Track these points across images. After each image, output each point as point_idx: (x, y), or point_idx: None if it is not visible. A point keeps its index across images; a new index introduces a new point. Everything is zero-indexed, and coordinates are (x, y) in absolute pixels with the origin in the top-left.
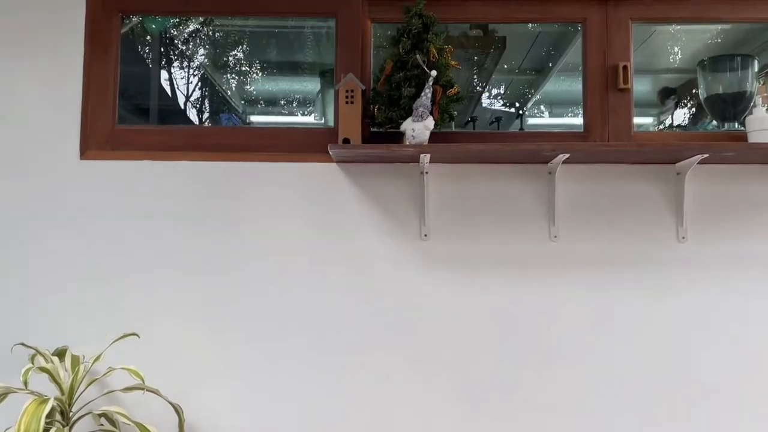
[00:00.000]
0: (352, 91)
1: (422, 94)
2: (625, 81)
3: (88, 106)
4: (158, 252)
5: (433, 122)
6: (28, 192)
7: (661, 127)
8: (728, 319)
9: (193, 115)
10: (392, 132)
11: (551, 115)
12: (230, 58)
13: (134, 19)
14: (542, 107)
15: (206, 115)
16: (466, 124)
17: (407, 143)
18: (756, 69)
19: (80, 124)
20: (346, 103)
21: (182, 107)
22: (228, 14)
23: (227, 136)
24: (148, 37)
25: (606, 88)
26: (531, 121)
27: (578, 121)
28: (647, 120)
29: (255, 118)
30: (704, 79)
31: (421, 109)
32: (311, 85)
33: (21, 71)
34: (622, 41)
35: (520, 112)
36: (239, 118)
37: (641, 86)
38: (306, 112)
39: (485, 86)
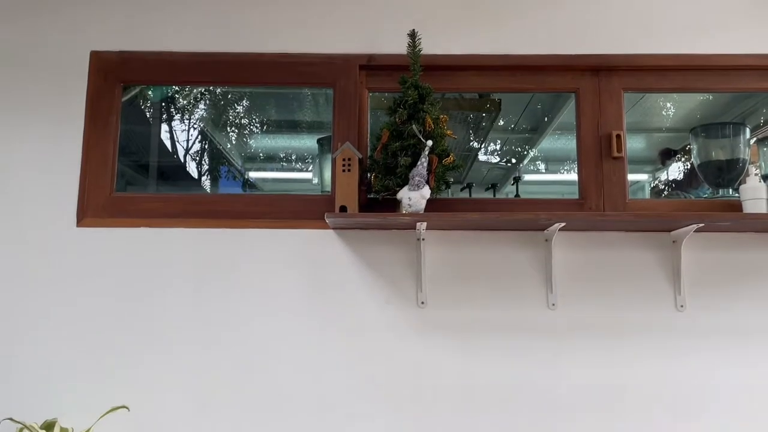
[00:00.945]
0: (349, 159)
1: (418, 163)
2: (619, 149)
3: (87, 174)
4: (153, 321)
5: (429, 191)
6: (23, 259)
7: (657, 183)
8: (729, 388)
9: (192, 169)
10: (389, 198)
11: (547, 170)
12: (230, 117)
13: (135, 88)
14: (539, 163)
15: (205, 169)
16: (462, 190)
17: (404, 212)
18: (748, 136)
19: (78, 192)
20: (343, 171)
21: (182, 163)
22: (228, 84)
23: (225, 203)
24: (150, 94)
25: (600, 156)
26: (527, 177)
27: (574, 177)
28: (642, 176)
29: (254, 174)
30: (697, 145)
31: (417, 178)
32: (309, 141)
33: (21, 138)
34: (615, 110)
35: (517, 177)
36: (239, 171)
37: (636, 143)
38: (304, 168)
39: (482, 143)
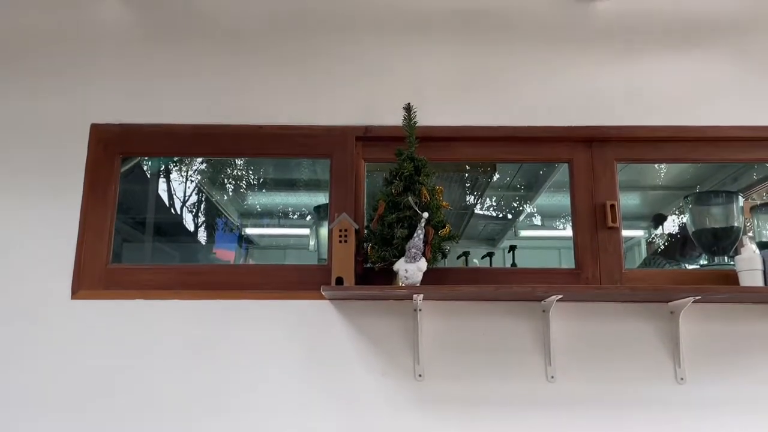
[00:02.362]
0: (345, 230)
1: (415, 235)
2: (614, 220)
3: (83, 246)
4: (146, 394)
5: (425, 264)
6: (17, 331)
7: (654, 238)
8: None
9: (189, 224)
10: (385, 267)
11: (543, 225)
12: (227, 174)
13: (134, 159)
14: (535, 217)
15: (202, 225)
16: (458, 258)
17: (400, 284)
18: (741, 204)
19: (74, 264)
20: (340, 242)
21: (179, 219)
22: (227, 156)
23: (220, 274)
24: (148, 163)
25: (595, 226)
26: (523, 233)
27: (569, 233)
28: (638, 233)
29: (251, 230)
30: (691, 213)
31: (413, 250)
32: (306, 198)
33: (19, 209)
34: (608, 181)
35: (513, 245)
36: (236, 226)
37: (630, 201)
38: (301, 224)
39: (478, 200)
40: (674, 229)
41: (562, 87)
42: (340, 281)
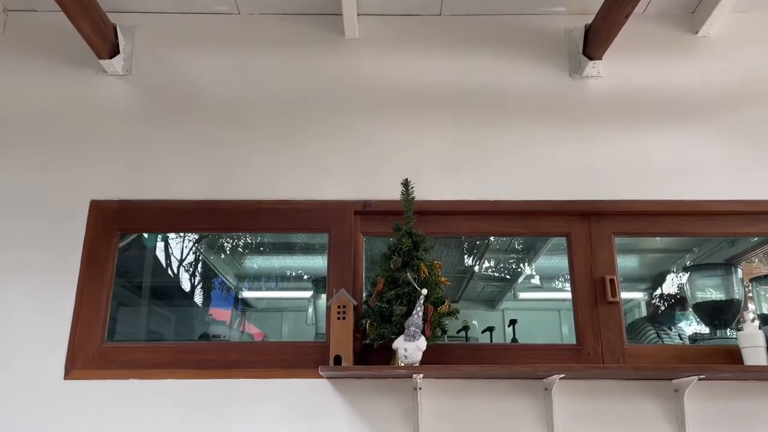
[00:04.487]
0: (344, 306)
1: (414, 312)
2: (614, 294)
3: (78, 324)
4: None
5: (425, 343)
6: (7, 411)
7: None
8: None
9: (186, 285)
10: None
11: (542, 285)
12: (225, 239)
13: (133, 235)
14: (534, 277)
15: (198, 287)
16: (458, 332)
17: (399, 363)
18: (740, 276)
19: (68, 342)
20: (338, 318)
21: (176, 282)
22: (227, 231)
23: (216, 352)
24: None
25: (595, 300)
26: (523, 295)
27: (569, 294)
28: (638, 295)
29: (248, 294)
30: (691, 285)
31: (413, 328)
32: (303, 260)
33: (16, 285)
34: (607, 255)
35: (513, 320)
36: (233, 286)
37: (628, 263)
38: (299, 287)
39: (477, 262)
40: (674, 290)
41: (559, 161)
42: (338, 360)
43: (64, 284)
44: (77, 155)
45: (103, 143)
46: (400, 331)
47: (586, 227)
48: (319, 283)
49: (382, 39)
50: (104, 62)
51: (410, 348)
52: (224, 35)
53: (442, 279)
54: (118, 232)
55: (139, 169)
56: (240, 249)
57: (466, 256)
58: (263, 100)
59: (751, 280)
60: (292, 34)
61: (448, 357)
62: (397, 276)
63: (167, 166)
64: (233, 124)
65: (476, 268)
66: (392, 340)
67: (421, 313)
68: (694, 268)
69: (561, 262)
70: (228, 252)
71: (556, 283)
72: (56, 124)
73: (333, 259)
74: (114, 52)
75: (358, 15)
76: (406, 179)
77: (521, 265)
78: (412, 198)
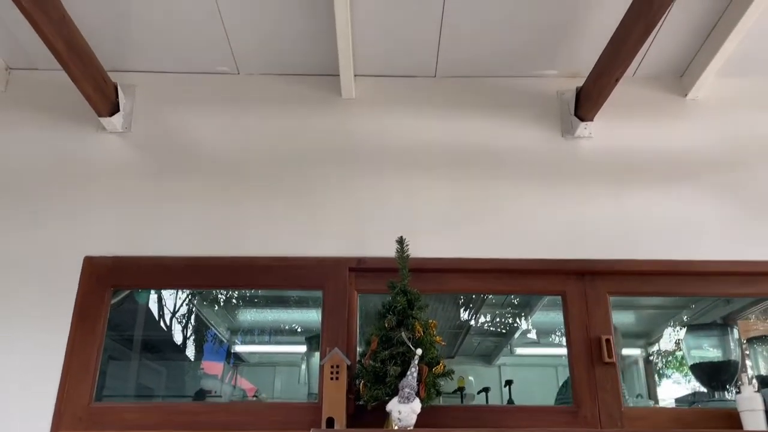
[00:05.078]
0: (337, 366)
1: (408, 373)
2: (609, 355)
3: (66, 382)
4: None
5: (419, 405)
6: None
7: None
8: None
9: (178, 338)
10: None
11: (539, 343)
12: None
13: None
14: (530, 331)
15: (190, 341)
16: (454, 392)
17: (394, 426)
18: (737, 336)
19: (55, 402)
20: (332, 379)
21: (167, 335)
22: (221, 288)
23: (206, 413)
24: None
25: (591, 361)
26: (519, 350)
27: (564, 350)
28: (635, 351)
29: (240, 348)
30: (687, 346)
31: (407, 389)
32: (297, 314)
33: (5, 340)
34: (602, 315)
35: (509, 380)
36: (225, 339)
37: (625, 318)
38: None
39: (473, 317)
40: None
41: (553, 221)
42: (330, 422)
43: (54, 341)
44: (73, 211)
45: (99, 199)
46: (395, 392)
47: (581, 286)
48: (312, 341)
49: (379, 99)
50: (104, 120)
51: (404, 411)
52: (224, 94)
53: (437, 339)
54: (111, 289)
55: (134, 226)
56: (234, 301)
57: (462, 311)
58: (260, 158)
59: (748, 341)
60: (291, 93)
61: (443, 419)
62: (391, 335)
63: (162, 223)
64: (229, 182)
65: (472, 323)
66: (386, 402)
67: (415, 374)
68: (689, 329)
69: (557, 317)
70: (221, 304)
71: (553, 337)
72: (53, 180)
73: (327, 316)
74: (114, 109)
75: (355, 76)
76: (401, 237)
77: (518, 320)
78: (407, 255)
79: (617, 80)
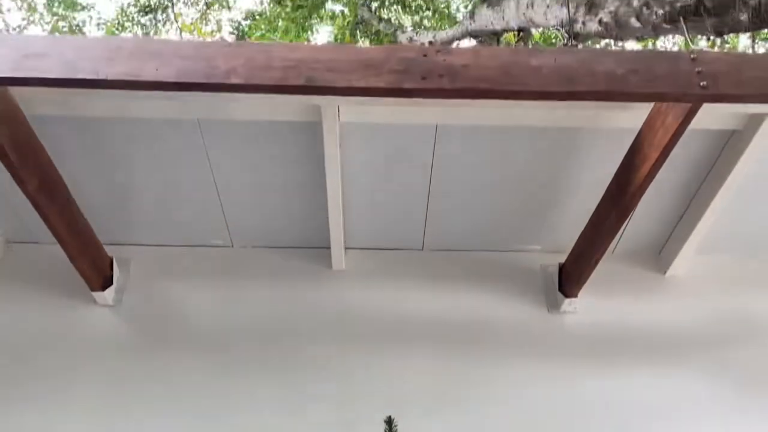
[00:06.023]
0: None
1: None
2: None
3: None
4: None
5: None
6: None
7: None
8: None
9: None
10: None
11: None
12: None
13: None
14: None
15: None
16: None
17: None
18: None
19: None
20: None
21: None
22: None
23: None
24: None
25: None
26: None
27: None
28: None
29: None
30: None
31: None
32: None
33: None
34: None
35: None
36: None
37: None
38: None
39: None
40: None
41: (541, 397)
42: None
43: None
44: (56, 389)
45: (84, 375)
46: None
47: None
48: None
49: (368, 271)
50: (96, 293)
51: None
52: (217, 267)
53: None
54: None
55: (120, 400)
56: None
57: None
58: (250, 332)
59: None
60: (282, 266)
61: None
62: None
63: (147, 398)
64: (218, 356)
65: None
66: None
67: None
68: None
69: None
70: None
71: None
72: (40, 355)
73: None
74: (107, 283)
75: (345, 249)
76: (390, 417)
77: None
78: None
79: (597, 262)
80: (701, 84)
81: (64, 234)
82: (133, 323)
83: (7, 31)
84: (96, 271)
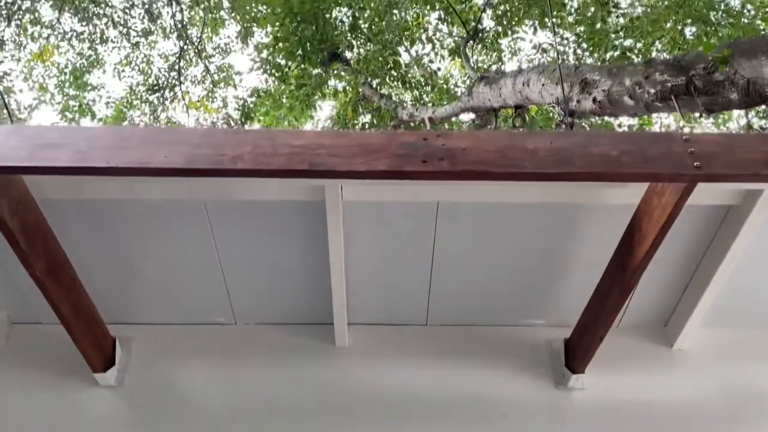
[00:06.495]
0: None
1: None
2: None
3: None
4: None
5: None
6: None
7: None
8: None
9: None
10: None
11: None
12: None
13: None
14: None
15: None
16: None
17: None
18: None
19: None
20: None
21: None
22: None
23: None
24: None
25: None
26: None
27: None
28: None
29: None
30: None
31: None
32: None
33: None
34: None
35: None
36: None
37: None
38: None
39: None
40: None
41: None
42: None
43: None
44: None
45: None
46: None
47: None
48: None
49: (372, 348)
50: (98, 375)
51: None
52: (220, 345)
53: None
54: None
55: None
56: None
57: None
58: (252, 411)
59: None
60: (285, 343)
61: None
62: None
63: None
64: None
65: None
66: None
67: None
68: None
69: None
70: None
71: None
72: None
73: None
74: (109, 364)
75: (348, 324)
76: None
77: None
78: None
79: (602, 338)
80: (695, 164)
81: (68, 316)
82: (135, 404)
83: (19, 110)
84: (98, 351)
